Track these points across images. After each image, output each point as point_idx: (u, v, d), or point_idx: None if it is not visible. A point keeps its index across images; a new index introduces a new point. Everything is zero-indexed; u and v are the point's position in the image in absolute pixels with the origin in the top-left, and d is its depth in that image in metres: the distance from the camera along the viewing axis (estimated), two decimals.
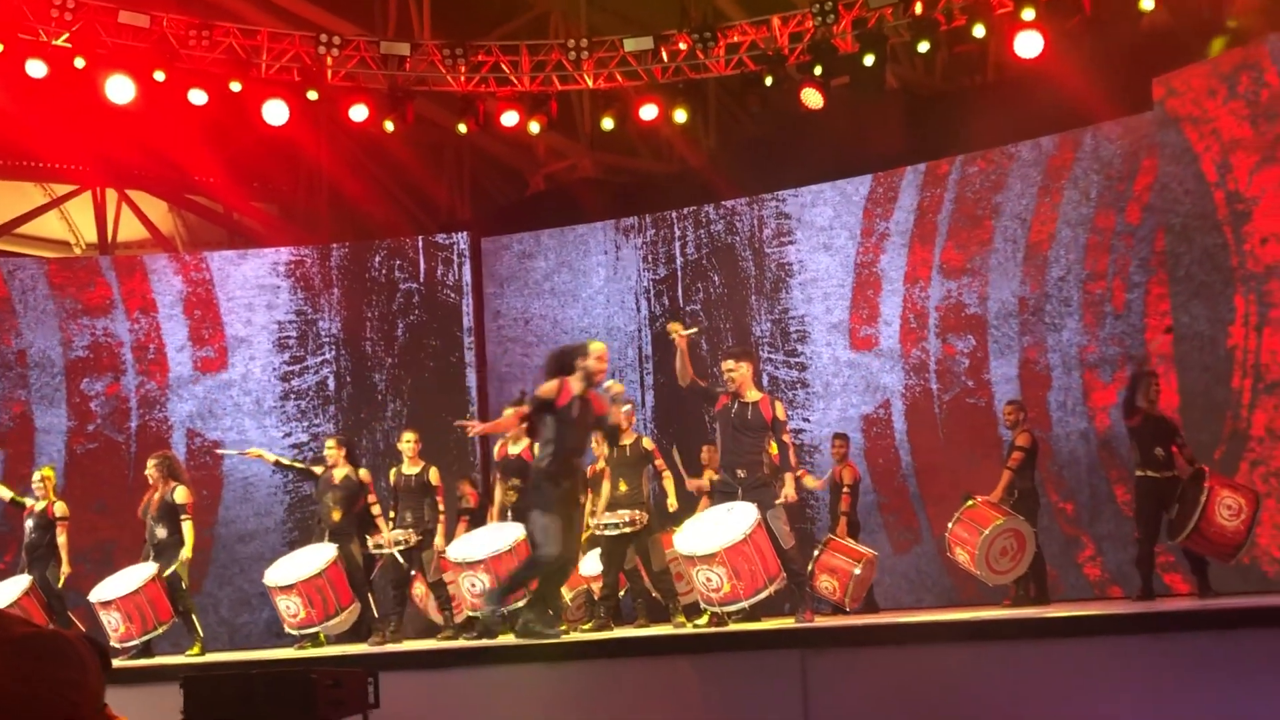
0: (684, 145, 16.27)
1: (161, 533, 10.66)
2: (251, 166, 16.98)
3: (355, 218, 17.44)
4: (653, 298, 14.89)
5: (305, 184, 17.60)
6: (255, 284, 15.07)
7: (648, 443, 10.57)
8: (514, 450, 10.11)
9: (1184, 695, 6.58)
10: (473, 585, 9.47)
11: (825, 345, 14.00)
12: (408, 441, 10.87)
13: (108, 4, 12.44)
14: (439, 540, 10.59)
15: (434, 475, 10.76)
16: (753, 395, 8.99)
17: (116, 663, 9.13)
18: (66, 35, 12.37)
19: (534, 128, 13.92)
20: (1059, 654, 7.03)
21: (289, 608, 10.32)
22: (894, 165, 13.85)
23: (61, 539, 11.05)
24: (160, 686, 7.34)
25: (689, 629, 9.16)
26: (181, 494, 10.69)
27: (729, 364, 9.05)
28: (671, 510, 10.61)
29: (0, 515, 13.18)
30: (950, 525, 10.71)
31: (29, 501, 11.27)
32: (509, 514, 10.00)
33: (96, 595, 10.59)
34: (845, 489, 11.92)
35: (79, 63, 12.39)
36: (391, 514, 10.75)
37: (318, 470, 10.96)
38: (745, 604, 8.69)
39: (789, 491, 8.90)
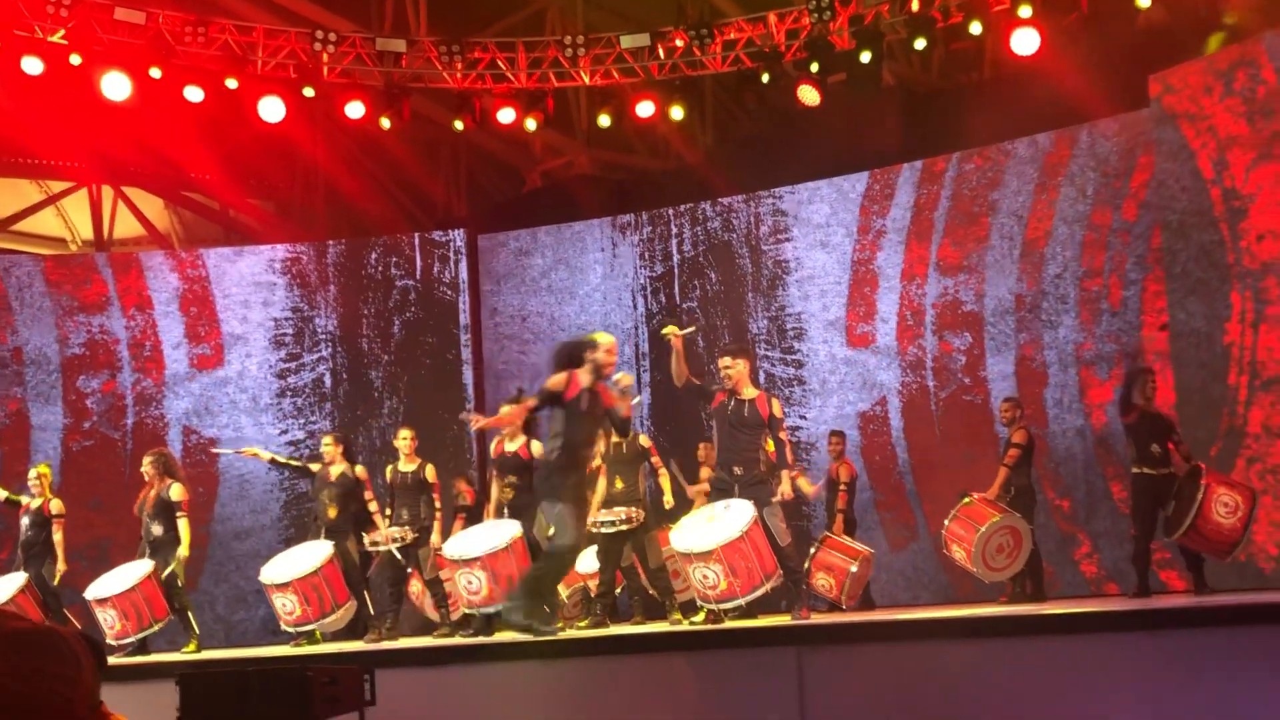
0: (681, 142, 16.26)
1: (157, 530, 10.65)
2: (247, 163, 16.96)
3: (351, 215, 17.41)
4: (649, 295, 14.89)
5: (301, 181, 17.57)
6: (251, 281, 15.06)
7: (644, 440, 10.57)
8: (510, 447, 10.10)
9: (1180, 692, 6.58)
10: (469, 583, 9.46)
11: (822, 342, 13.99)
12: (404, 439, 10.86)
13: (103, 0, 12.42)
14: (435, 537, 10.58)
15: (430, 472, 10.75)
16: (749, 392, 8.99)
17: (112, 660, 9.12)
18: (62, 32, 12.35)
19: (531, 125, 13.91)
20: (1056, 651, 7.03)
21: (285, 605, 10.32)
22: (891, 162, 13.85)
23: (57, 536, 11.03)
24: (156, 684, 7.33)
25: (685, 626, 9.15)
26: (177, 491, 10.68)
27: (726, 361, 9.04)
28: (668, 508, 10.62)
29: None
30: (947, 522, 10.70)
31: (24, 499, 11.26)
32: (505, 511, 9.99)
33: (92, 593, 10.58)
34: (842, 486, 11.92)
35: (75, 59, 12.37)
36: (388, 511, 10.74)
37: (314, 468, 10.96)
38: (742, 601, 8.69)
39: (785, 489, 8.89)
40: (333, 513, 10.61)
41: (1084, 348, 12.64)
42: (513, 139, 16.35)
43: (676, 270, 14.83)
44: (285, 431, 14.76)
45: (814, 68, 12.85)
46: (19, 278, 14.80)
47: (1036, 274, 12.93)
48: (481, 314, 15.33)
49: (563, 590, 10.11)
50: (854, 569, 10.97)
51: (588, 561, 10.60)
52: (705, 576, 8.54)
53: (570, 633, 9.23)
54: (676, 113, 13.63)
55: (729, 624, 8.75)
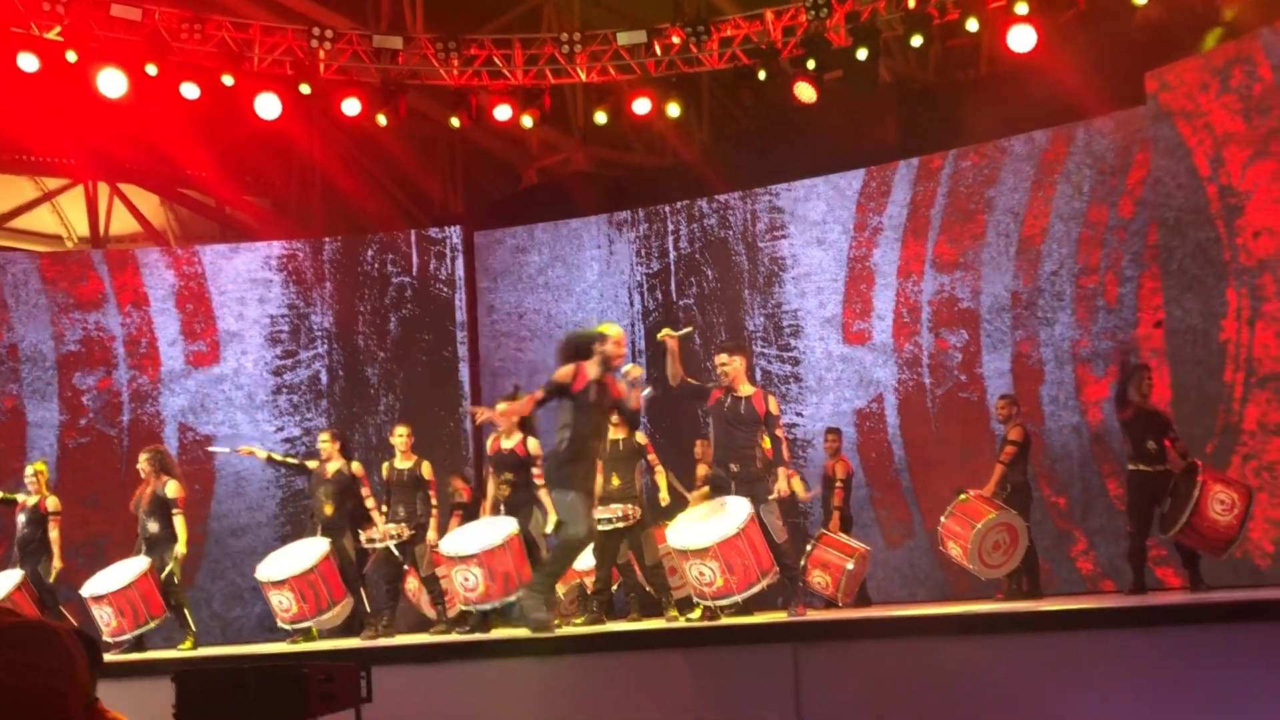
0: (677, 139, 16.25)
1: (153, 527, 10.64)
2: (244, 160, 16.95)
3: (348, 212, 17.41)
4: (646, 292, 14.89)
5: (298, 178, 17.56)
6: (247, 278, 15.06)
7: (640, 437, 10.57)
8: (507, 444, 10.10)
9: (1176, 689, 6.58)
10: (466, 579, 9.45)
11: (818, 340, 14.00)
12: (400, 436, 10.84)
13: None
14: (431, 534, 10.58)
15: (426, 469, 10.74)
16: (746, 390, 8.98)
17: (108, 657, 9.11)
18: (58, 28, 12.33)
19: (527, 121, 13.89)
20: (1051, 647, 7.03)
21: (281, 603, 10.31)
22: (887, 159, 13.85)
23: (54, 534, 11.02)
24: (152, 681, 7.33)
25: (681, 623, 9.15)
26: (173, 488, 10.67)
27: (722, 358, 9.04)
28: (664, 505, 10.61)
29: None
30: (943, 519, 10.71)
31: (20, 498, 11.24)
32: (502, 508, 9.99)
33: (89, 590, 10.57)
34: (838, 484, 11.93)
35: (71, 56, 12.33)
36: (384, 508, 10.73)
37: (311, 465, 10.95)
38: (738, 598, 8.69)
39: (782, 486, 8.90)
40: (329, 509, 10.60)
41: (1080, 345, 12.65)
42: (509, 136, 16.34)
43: (673, 267, 14.83)
44: (281, 428, 14.76)
45: (810, 65, 12.84)
46: (14, 275, 14.79)
47: (1033, 271, 12.94)
48: (478, 311, 15.33)
49: (560, 587, 10.10)
50: (850, 566, 10.97)
51: (584, 558, 10.60)
52: (702, 573, 8.55)
53: (567, 630, 9.23)
54: (673, 110, 13.62)
55: (725, 621, 8.75)
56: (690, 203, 14.80)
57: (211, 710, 6.24)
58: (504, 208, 17.16)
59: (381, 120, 13.63)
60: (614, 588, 10.82)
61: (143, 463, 10.87)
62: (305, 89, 13.15)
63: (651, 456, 10.62)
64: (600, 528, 9.86)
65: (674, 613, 9.74)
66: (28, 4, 12.16)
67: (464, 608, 9.94)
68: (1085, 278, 12.66)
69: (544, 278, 15.29)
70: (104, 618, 10.43)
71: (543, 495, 9.89)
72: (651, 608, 10.79)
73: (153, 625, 10.56)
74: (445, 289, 15.11)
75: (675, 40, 13.44)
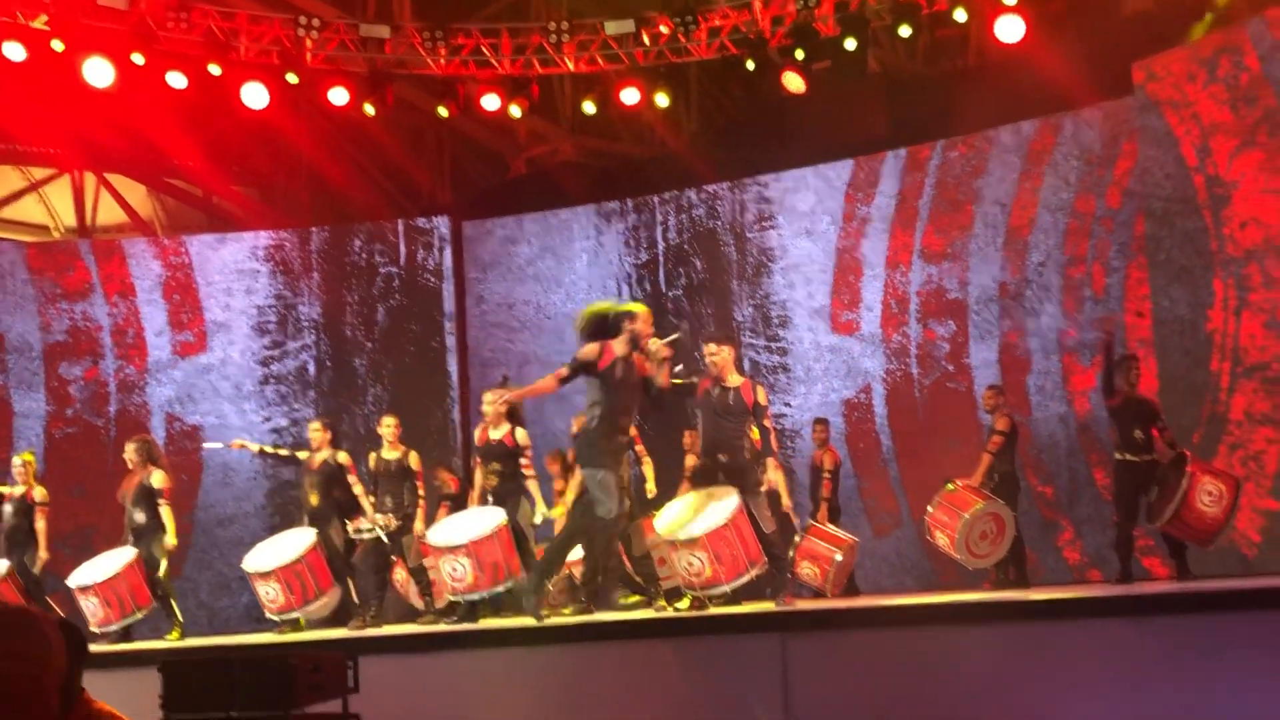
0: (665, 129, 16.23)
1: (140, 517, 10.62)
2: (230, 150, 16.89)
3: (335, 201, 17.36)
4: (634, 282, 14.87)
5: (285, 167, 17.51)
6: (234, 268, 15.02)
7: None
8: (495, 435, 10.08)
9: (1163, 677, 6.61)
10: (454, 569, 9.45)
11: (807, 330, 14.00)
12: (388, 426, 10.83)
13: None
14: (419, 525, 10.57)
15: (414, 460, 10.73)
16: (734, 380, 8.97)
17: (95, 648, 9.09)
18: (44, 17, 12.28)
19: (515, 111, 13.87)
20: (1039, 637, 7.05)
21: (268, 593, 10.30)
22: (875, 150, 13.85)
23: (40, 524, 10.99)
24: (139, 671, 7.33)
25: (670, 613, 9.15)
26: (159, 478, 10.65)
27: (711, 348, 9.02)
28: (650, 496, 10.61)
29: None
30: (930, 509, 10.72)
31: (6, 488, 11.21)
32: (489, 498, 9.98)
33: (75, 580, 10.55)
34: (826, 474, 11.93)
35: (57, 45, 12.29)
36: (371, 499, 10.72)
37: (302, 456, 10.94)
38: (727, 588, 8.69)
39: (771, 477, 8.91)
40: (314, 499, 10.59)
41: (1067, 335, 12.67)
42: (497, 126, 16.31)
43: (661, 258, 14.82)
44: (269, 419, 14.73)
45: (799, 55, 12.83)
46: (1, 265, 14.74)
47: (1020, 262, 12.96)
48: (467, 302, 15.30)
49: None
50: (839, 558, 10.98)
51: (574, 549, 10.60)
52: (690, 563, 8.54)
53: (555, 619, 9.23)
54: (661, 100, 13.60)
55: (713, 610, 8.76)
56: (679, 193, 14.79)
57: (199, 700, 6.24)
58: (492, 198, 17.12)
59: (369, 110, 13.59)
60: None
61: (130, 453, 10.84)
62: (292, 78, 13.12)
63: (639, 447, 10.61)
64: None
65: (662, 602, 9.74)
66: None
67: (452, 598, 9.93)
68: (1073, 268, 12.67)
69: (533, 269, 15.27)
70: (90, 608, 10.41)
71: (531, 486, 9.90)
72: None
73: (140, 616, 10.55)
74: (433, 279, 15.08)
75: (663, 30, 13.42)
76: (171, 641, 10.48)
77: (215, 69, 12.86)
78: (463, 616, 9.79)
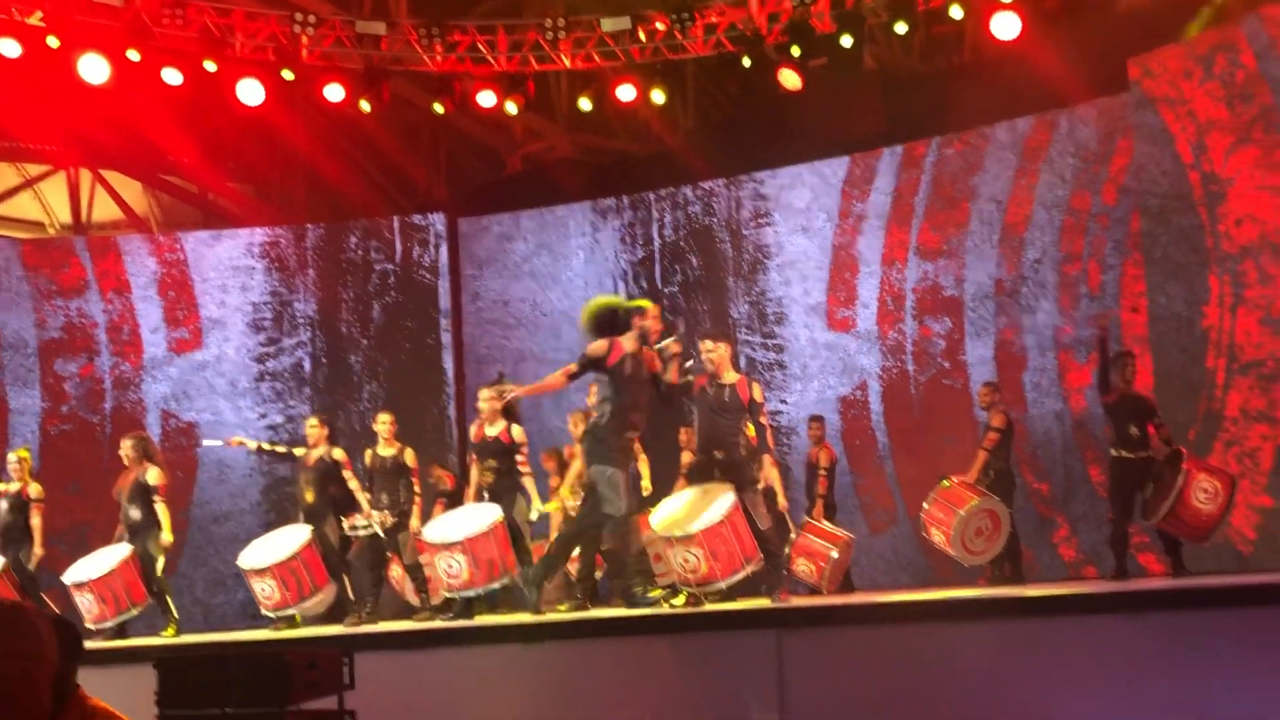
0: (661, 126, 16.23)
1: (135, 514, 10.61)
2: (226, 146, 16.87)
3: (331, 198, 17.34)
4: (630, 279, 14.87)
5: (280, 164, 17.50)
6: (230, 265, 15.01)
7: None
8: (491, 432, 10.07)
9: (1158, 673, 6.61)
10: (449, 566, 9.44)
11: (803, 327, 14.01)
12: (383, 423, 10.82)
13: None
14: (414, 522, 10.56)
15: (410, 457, 10.72)
16: (730, 377, 8.97)
17: (90, 644, 9.08)
18: (39, 14, 12.26)
19: (511, 108, 13.86)
20: (1034, 633, 7.06)
21: (264, 590, 10.29)
22: (871, 146, 13.85)
23: (36, 521, 10.98)
24: (134, 668, 7.32)
25: (665, 609, 9.15)
26: (154, 475, 10.64)
27: (707, 344, 9.01)
28: (646, 494, 10.61)
29: None
30: (926, 505, 10.73)
31: (2, 485, 11.20)
32: (485, 495, 9.97)
33: (70, 577, 10.53)
34: (822, 471, 11.93)
35: (52, 42, 12.27)
36: (367, 496, 10.71)
37: (299, 453, 10.93)
38: (722, 585, 8.69)
39: (768, 474, 8.92)
40: (310, 496, 10.58)
41: (1063, 332, 12.67)
42: (493, 122, 16.30)
43: (657, 255, 14.82)
44: (264, 415, 14.73)
45: (795, 51, 12.82)
46: None
47: (1016, 259, 12.96)
48: (463, 299, 15.30)
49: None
50: (834, 554, 10.99)
51: None
52: (686, 560, 8.54)
53: (551, 616, 9.23)
54: (657, 96, 13.60)
55: (709, 607, 8.75)
56: (675, 190, 14.79)
57: (194, 697, 6.23)
58: (488, 194, 17.11)
59: (365, 106, 13.58)
60: (598, 575, 10.82)
61: (126, 449, 10.83)
62: (288, 75, 13.10)
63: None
64: None
65: (656, 592, 9.74)
66: None
67: (448, 594, 9.93)
68: (1068, 265, 12.68)
69: (529, 265, 15.27)
70: (86, 605, 10.39)
71: (526, 482, 9.90)
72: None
73: (135, 612, 10.54)
74: (429, 276, 15.08)
75: (659, 27, 13.41)
76: (167, 638, 10.47)
77: (211, 65, 12.83)
78: (458, 613, 9.79)
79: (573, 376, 8.72)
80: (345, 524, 10.56)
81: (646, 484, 10.74)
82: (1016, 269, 12.95)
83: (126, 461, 10.79)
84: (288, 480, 12.59)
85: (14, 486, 11.11)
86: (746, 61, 13.12)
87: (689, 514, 8.65)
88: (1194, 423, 11.25)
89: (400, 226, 15.27)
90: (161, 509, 10.58)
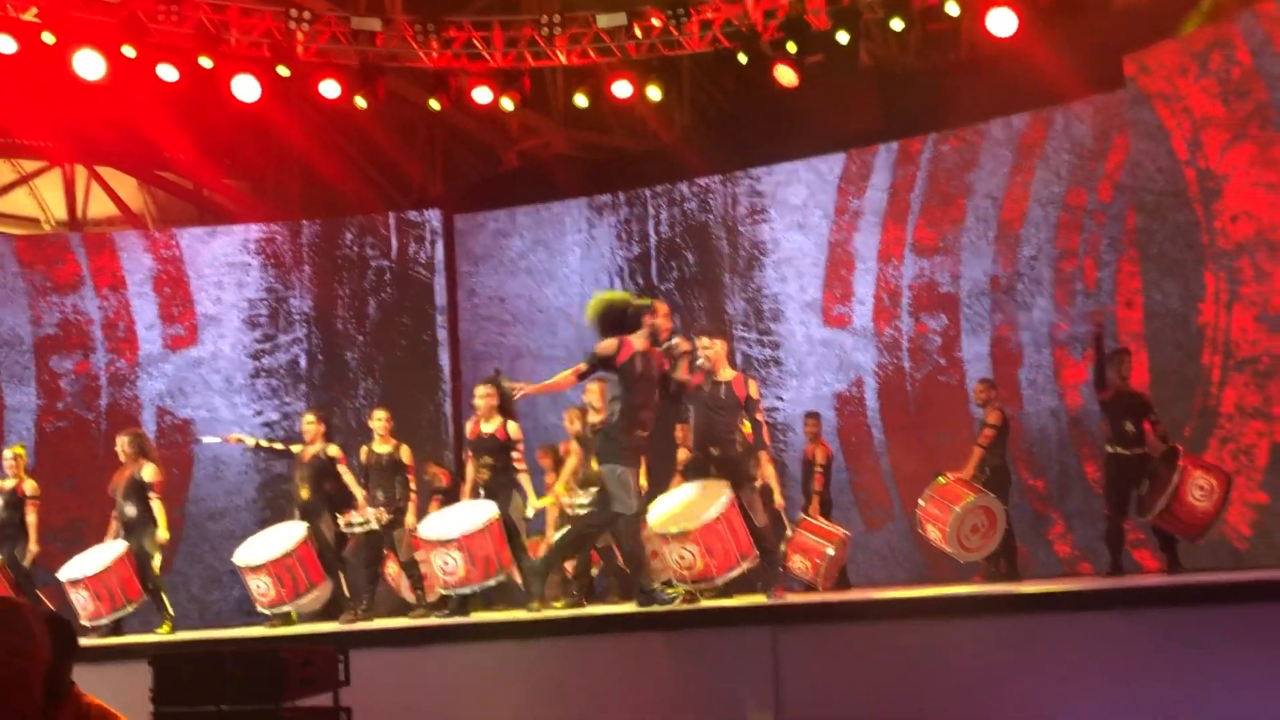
0: (657, 122, 16.22)
1: (131, 511, 10.60)
2: (222, 143, 16.86)
3: (326, 194, 17.33)
4: (626, 276, 14.87)
5: (276, 160, 17.48)
6: (225, 261, 15.00)
7: None
8: (487, 429, 10.07)
9: (1153, 670, 6.62)
10: (445, 563, 9.44)
11: (799, 324, 14.01)
12: (379, 420, 10.81)
13: None
14: (410, 519, 10.56)
15: (405, 454, 10.71)
16: (726, 374, 8.97)
17: (85, 641, 9.07)
18: (34, 10, 12.24)
19: (507, 104, 13.85)
20: (1029, 630, 7.06)
21: (259, 587, 10.28)
22: (867, 143, 13.85)
23: (31, 518, 10.98)
24: (129, 664, 7.32)
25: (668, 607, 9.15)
26: (150, 472, 10.63)
27: (704, 341, 9.01)
28: (642, 491, 10.59)
29: None
30: (922, 502, 10.73)
31: None
32: (481, 492, 9.97)
33: (66, 574, 10.52)
34: (818, 468, 11.93)
35: (47, 38, 12.26)
36: (362, 492, 10.70)
37: (296, 449, 10.93)
38: (718, 581, 8.69)
39: (765, 471, 8.93)
40: (305, 493, 10.58)
41: (1059, 328, 12.68)
42: (489, 119, 16.29)
43: (653, 251, 14.82)
44: (260, 412, 14.72)
45: (791, 48, 12.81)
46: None
47: (1012, 255, 12.96)
48: (459, 295, 15.30)
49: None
50: (830, 552, 10.99)
51: None
52: (682, 557, 8.54)
53: (547, 612, 9.24)
54: (653, 93, 13.58)
55: (704, 603, 8.76)
56: (671, 186, 14.78)
57: (189, 694, 6.22)
58: (484, 191, 17.10)
59: (360, 103, 13.56)
60: (594, 572, 10.82)
61: (123, 446, 10.82)
62: (283, 71, 13.09)
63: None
64: (580, 512, 9.86)
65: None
66: None
67: (444, 592, 9.93)
68: (1064, 261, 12.69)
69: (525, 262, 15.27)
70: (81, 602, 10.39)
71: (522, 479, 9.89)
72: (631, 591, 10.79)
73: (130, 609, 10.53)
74: (424, 272, 15.08)
75: (655, 23, 13.39)
76: (162, 635, 10.47)
77: (206, 62, 12.82)
78: (454, 610, 9.79)
79: (583, 376, 8.73)
80: (341, 521, 10.55)
81: (642, 481, 10.73)
82: (1012, 265, 12.95)
83: (122, 458, 10.79)
84: (283, 477, 12.58)
85: (9, 483, 11.10)
86: (743, 58, 13.11)
87: (685, 511, 8.65)
88: (1189, 419, 11.26)
89: (396, 223, 15.26)
90: (157, 506, 10.58)
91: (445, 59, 13.67)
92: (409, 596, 11.31)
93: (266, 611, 10.40)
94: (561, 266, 15.12)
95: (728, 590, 9.58)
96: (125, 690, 6.19)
